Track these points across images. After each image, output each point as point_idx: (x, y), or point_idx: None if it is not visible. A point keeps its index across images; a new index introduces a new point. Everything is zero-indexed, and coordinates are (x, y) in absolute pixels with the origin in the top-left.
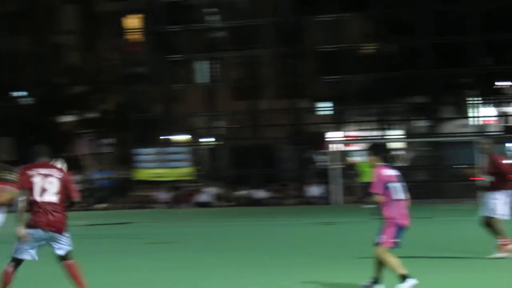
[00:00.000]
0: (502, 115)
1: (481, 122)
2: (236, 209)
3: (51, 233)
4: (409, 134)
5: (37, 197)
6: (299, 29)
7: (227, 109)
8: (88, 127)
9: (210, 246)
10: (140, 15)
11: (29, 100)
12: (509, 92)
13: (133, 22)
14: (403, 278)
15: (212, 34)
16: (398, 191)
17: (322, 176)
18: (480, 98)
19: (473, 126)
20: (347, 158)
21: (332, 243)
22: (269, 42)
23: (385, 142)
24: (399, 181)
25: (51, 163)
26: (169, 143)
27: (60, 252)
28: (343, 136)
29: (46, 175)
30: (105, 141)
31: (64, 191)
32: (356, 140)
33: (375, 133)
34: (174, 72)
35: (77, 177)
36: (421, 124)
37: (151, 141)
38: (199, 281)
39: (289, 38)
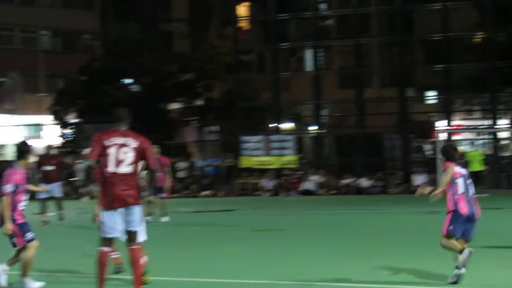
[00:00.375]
0: None
1: None
2: (340, 197)
3: (123, 209)
4: None
5: (111, 169)
6: (407, 18)
7: (333, 98)
8: (194, 115)
9: (313, 233)
10: (249, 3)
11: (138, 88)
12: None
13: (242, 10)
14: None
15: (321, 22)
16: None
17: (428, 166)
18: None
19: None
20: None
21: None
22: (377, 31)
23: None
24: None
25: (128, 130)
26: (274, 131)
27: (131, 228)
28: (450, 125)
29: (121, 145)
30: (211, 128)
31: (139, 161)
32: (463, 129)
33: (482, 122)
34: (281, 60)
35: (183, 164)
36: None
37: (257, 128)
38: (302, 268)
39: (398, 26)
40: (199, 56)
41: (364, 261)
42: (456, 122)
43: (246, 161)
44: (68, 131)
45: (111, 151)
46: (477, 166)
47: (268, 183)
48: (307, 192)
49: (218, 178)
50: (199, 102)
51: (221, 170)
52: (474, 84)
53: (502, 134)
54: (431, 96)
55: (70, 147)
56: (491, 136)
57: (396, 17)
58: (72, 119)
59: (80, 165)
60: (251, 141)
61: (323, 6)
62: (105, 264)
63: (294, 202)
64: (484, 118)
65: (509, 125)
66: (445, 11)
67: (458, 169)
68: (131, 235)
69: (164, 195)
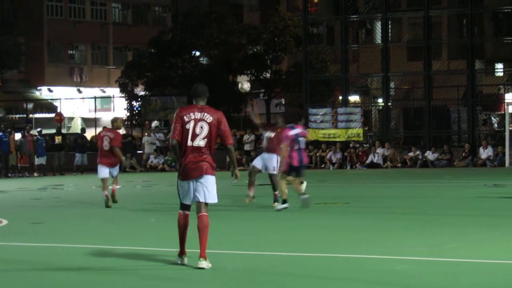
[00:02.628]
0: None
1: None
2: (406, 170)
3: (194, 180)
4: None
5: (188, 142)
6: None
7: (401, 70)
8: (263, 87)
9: (378, 206)
10: None
11: (206, 60)
12: None
13: None
14: None
15: None
16: None
17: (496, 139)
18: None
19: None
20: None
21: (497, 206)
22: (447, 3)
23: None
24: None
25: (205, 105)
26: (342, 104)
27: (199, 198)
28: None
29: (198, 120)
30: (279, 101)
31: (215, 135)
32: None
33: None
34: (350, 33)
35: (249, 137)
36: None
37: (324, 101)
38: (355, 242)
39: None
40: (269, 28)
41: (425, 232)
42: None
43: (313, 134)
44: (136, 103)
45: (189, 126)
46: None
47: (334, 155)
48: (372, 165)
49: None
50: (267, 75)
51: None
52: None
53: None
54: (500, 69)
55: (138, 120)
56: None
57: None
58: (140, 91)
59: (147, 138)
60: (319, 114)
61: None
62: (183, 225)
63: (360, 175)
64: None
65: None
66: None
67: None
68: (200, 204)
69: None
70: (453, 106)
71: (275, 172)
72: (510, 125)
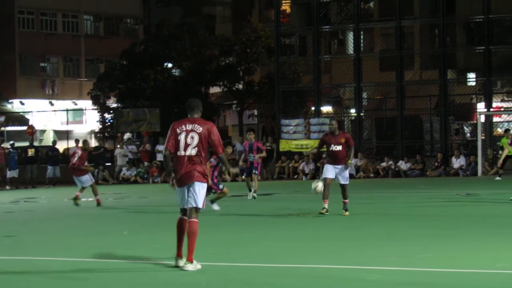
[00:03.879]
0: None
1: None
2: (379, 180)
3: (186, 187)
4: None
5: (180, 152)
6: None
7: (373, 80)
8: (235, 99)
9: (350, 217)
10: None
11: (179, 72)
12: None
13: None
14: None
15: (362, 5)
16: None
17: (468, 148)
18: None
19: None
20: (496, 129)
21: (469, 215)
22: (419, 13)
23: None
24: None
25: (197, 117)
26: (314, 114)
27: (191, 203)
28: (490, 107)
29: (189, 131)
30: (252, 112)
31: (205, 144)
32: (504, 111)
33: None
34: (322, 43)
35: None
36: None
37: (297, 112)
38: (337, 252)
39: (439, 8)
40: (241, 39)
41: (399, 243)
42: (496, 104)
43: (286, 145)
44: (108, 115)
45: (181, 137)
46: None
47: (307, 166)
48: None
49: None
50: (240, 86)
51: None
52: None
53: None
54: (472, 78)
55: (110, 132)
56: None
57: None
58: (113, 103)
59: (119, 150)
60: (291, 125)
61: None
62: (180, 229)
63: (332, 186)
64: None
65: None
66: None
67: None
68: (191, 210)
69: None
70: (426, 116)
71: (347, 182)
72: (482, 134)
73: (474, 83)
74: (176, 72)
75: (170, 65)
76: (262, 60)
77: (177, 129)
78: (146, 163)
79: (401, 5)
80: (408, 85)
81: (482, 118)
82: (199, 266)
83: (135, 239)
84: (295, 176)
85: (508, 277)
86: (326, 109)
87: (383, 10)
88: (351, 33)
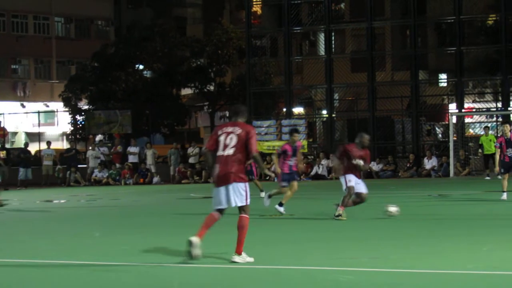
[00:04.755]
0: None
1: None
2: None
3: (224, 186)
4: None
5: (220, 152)
6: (420, 0)
7: (345, 81)
8: (206, 100)
9: (323, 218)
10: None
11: (150, 74)
12: None
13: None
14: None
15: (334, 6)
16: None
17: (440, 149)
18: None
19: None
20: (468, 130)
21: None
22: (390, 14)
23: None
24: None
25: (238, 121)
26: (286, 116)
27: (232, 202)
28: (461, 108)
29: (229, 133)
30: (223, 113)
31: (243, 146)
32: (475, 112)
33: (494, 105)
34: (294, 45)
35: (195, 150)
36: None
37: (268, 113)
38: (310, 253)
39: (410, 9)
40: (212, 41)
41: (362, 245)
42: (468, 105)
43: (257, 146)
44: (79, 117)
45: (221, 138)
46: (490, 149)
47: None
48: (317, 177)
49: None
50: (211, 87)
51: None
52: (486, 66)
53: None
54: (443, 79)
55: (82, 134)
56: (503, 119)
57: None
58: (84, 105)
59: (91, 152)
60: (263, 126)
61: None
62: (209, 224)
63: (304, 187)
64: (496, 100)
65: None
66: None
67: None
68: (239, 208)
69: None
70: (397, 117)
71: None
72: (454, 135)
73: (445, 84)
74: (147, 73)
75: (141, 66)
76: (233, 61)
77: (218, 131)
78: (118, 165)
79: (372, 6)
80: (379, 86)
81: (454, 119)
82: (248, 259)
83: (106, 241)
84: (267, 178)
85: (479, 278)
86: (298, 110)
87: (354, 11)
88: (322, 34)
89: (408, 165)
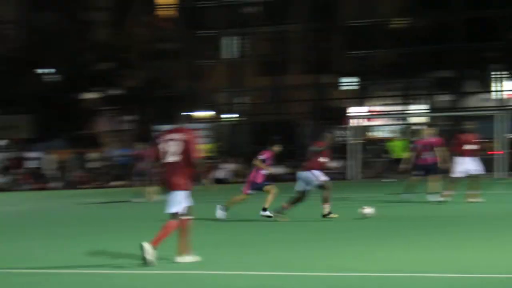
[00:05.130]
0: None
1: (504, 96)
2: None
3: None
4: (432, 109)
5: (164, 159)
6: (329, 5)
7: (251, 85)
8: (111, 104)
9: (233, 221)
10: None
11: (55, 77)
12: None
13: None
14: None
15: (243, 10)
16: None
17: (343, 152)
18: (504, 72)
19: (494, 100)
20: (369, 133)
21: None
22: (299, 18)
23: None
24: None
25: (179, 127)
26: (191, 119)
27: (172, 209)
28: (366, 111)
29: (170, 140)
30: (127, 118)
31: (184, 152)
32: (377, 115)
33: (399, 107)
34: (202, 48)
35: (95, 155)
36: (445, 98)
37: (174, 117)
38: (227, 257)
39: (320, 13)
40: (118, 45)
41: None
42: (372, 108)
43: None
44: None
45: (162, 146)
46: (399, 153)
47: None
48: (219, 181)
49: (130, 168)
50: (115, 91)
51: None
52: (392, 69)
53: (416, 119)
54: (348, 82)
55: None
56: (406, 122)
57: (318, 3)
58: None
59: None
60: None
61: None
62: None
63: (207, 191)
64: (399, 103)
65: (423, 111)
66: None
67: None
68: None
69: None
70: (302, 120)
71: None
72: (357, 138)
73: (350, 87)
74: (51, 77)
75: (45, 70)
76: (139, 65)
77: (159, 140)
78: (17, 170)
79: (281, 10)
80: (285, 90)
81: (357, 122)
82: (187, 259)
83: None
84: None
85: (382, 280)
86: (203, 114)
87: (260, 16)
88: (230, 38)
89: None
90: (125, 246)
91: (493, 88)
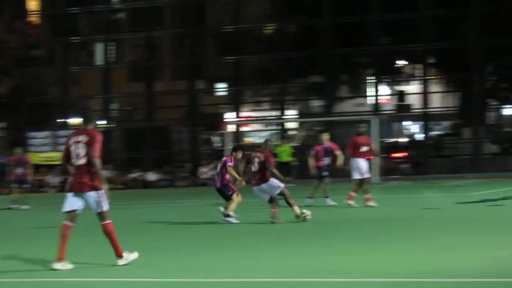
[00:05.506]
0: (398, 94)
1: (376, 101)
2: (128, 192)
3: (79, 194)
4: (304, 114)
5: (73, 161)
6: (200, 10)
7: (123, 91)
8: None
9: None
10: None
11: None
12: (404, 71)
13: (32, 4)
14: None
15: (112, 16)
16: None
17: (216, 157)
18: (376, 77)
19: (369, 105)
20: (243, 138)
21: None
22: (169, 24)
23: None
24: None
25: (86, 129)
26: (62, 126)
27: (95, 210)
28: (239, 116)
29: (78, 142)
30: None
31: (88, 153)
32: (251, 121)
33: (271, 113)
34: (72, 54)
35: None
36: (318, 103)
37: (45, 124)
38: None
39: (189, 19)
40: None
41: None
42: (246, 114)
43: (33, 157)
44: None
45: (72, 148)
46: (285, 158)
47: (53, 179)
48: None
49: (3, 175)
50: None
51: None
52: (264, 75)
53: (289, 125)
54: (221, 88)
55: None
56: (279, 127)
57: (188, 9)
58: None
59: None
60: (38, 137)
61: None
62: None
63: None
64: (272, 109)
65: (296, 116)
66: (237, 3)
67: None
68: (99, 214)
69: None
70: (175, 126)
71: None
72: (231, 143)
73: (223, 93)
74: None
75: None
76: (10, 71)
77: (69, 141)
78: None
79: (150, 16)
80: (157, 96)
81: (231, 128)
82: (132, 256)
83: None
84: (43, 189)
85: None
86: (76, 121)
87: (132, 21)
88: (100, 44)
89: (184, 175)
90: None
91: (367, 93)
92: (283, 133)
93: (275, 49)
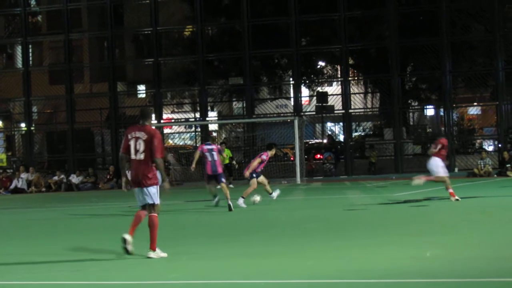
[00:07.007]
0: (319, 95)
1: (298, 103)
2: (51, 194)
3: (139, 188)
4: (225, 116)
5: (132, 156)
6: (118, 12)
7: (43, 94)
8: None
9: (19, 233)
10: None
11: None
12: (325, 72)
13: None
14: None
15: (31, 18)
16: None
17: None
18: (297, 78)
19: (290, 106)
20: (165, 141)
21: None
22: (88, 26)
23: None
24: None
25: (145, 125)
26: None
27: (144, 202)
28: (160, 119)
29: (137, 138)
30: None
31: (150, 150)
32: (172, 123)
33: (192, 115)
34: None
35: None
36: (239, 105)
37: None
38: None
39: (108, 21)
40: None
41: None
42: (166, 116)
43: None
44: None
45: (131, 143)
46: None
47: None
48: (17, 190)
49: None
50: None
51: None
52: (184, 77)
53: (211, 127)
54: (142, 90)
55: None
56: (200, 129)
57: (107, 11)
58: None
59: None
60: None
61: (33, 2)
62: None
63: (4, 201)
64: (193, 111)
65: (217, 117)
66: (154, 5)
67: None
68: (149, 206)
69: None
70: (97, 128)
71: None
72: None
73: (144, 95)
74: None
75: None
76: None
77: (128, 135)
78: None
79: (69, 18)
80: (78, 98)
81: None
82: (162, 254)
83: None
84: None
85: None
86: None
87: (51, 24)
88: (19, 46)
89: (108, 177)
90: None
91: (288, 95)
92: (204, 135)
93: (195, 51)
